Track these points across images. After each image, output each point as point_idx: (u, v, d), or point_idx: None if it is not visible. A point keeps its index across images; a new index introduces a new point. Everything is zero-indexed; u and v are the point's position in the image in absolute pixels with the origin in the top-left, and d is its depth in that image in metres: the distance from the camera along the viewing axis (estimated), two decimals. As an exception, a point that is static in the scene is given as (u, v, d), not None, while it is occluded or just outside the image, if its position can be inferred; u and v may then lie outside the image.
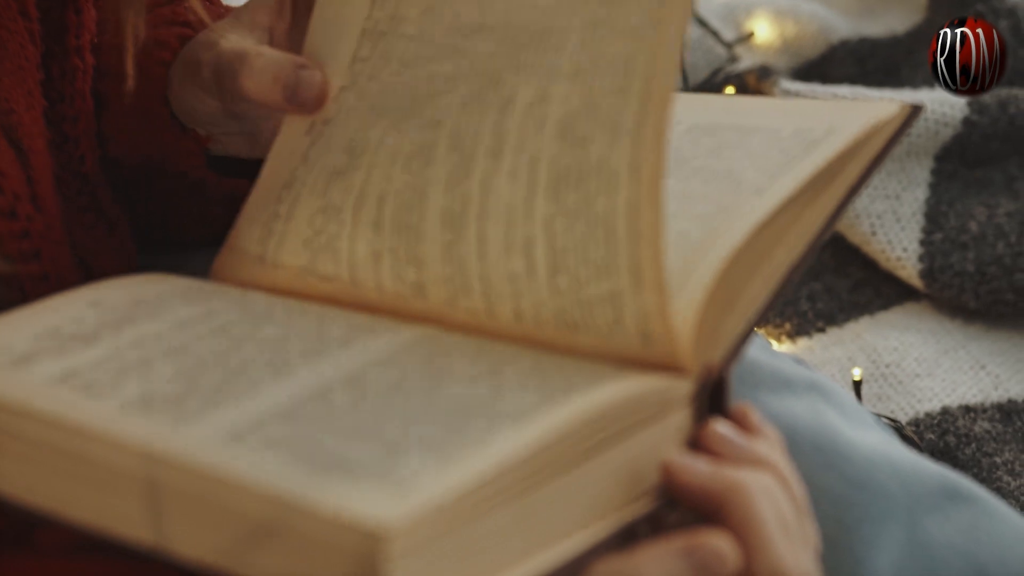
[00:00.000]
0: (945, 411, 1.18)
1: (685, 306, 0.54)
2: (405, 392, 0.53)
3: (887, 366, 1.23)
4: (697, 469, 0.53)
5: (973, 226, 1.30)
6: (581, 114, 0.57)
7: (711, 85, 1.42)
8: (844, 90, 1.35)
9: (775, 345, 1.19)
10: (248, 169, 0.69)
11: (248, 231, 0.65)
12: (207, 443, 0.51)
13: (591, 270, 0.56)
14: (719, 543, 0.51)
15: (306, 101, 0.62)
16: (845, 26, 1.51)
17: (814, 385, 0.69)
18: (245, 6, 0.70)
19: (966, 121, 1.32)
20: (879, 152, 0.60)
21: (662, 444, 0.54)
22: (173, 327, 0.59)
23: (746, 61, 1.47)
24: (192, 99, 0.70)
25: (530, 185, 0.58)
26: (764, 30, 1.49)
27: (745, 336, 0.56)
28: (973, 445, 1.15)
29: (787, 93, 1.35)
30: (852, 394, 0.72)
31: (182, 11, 0.75)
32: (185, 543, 0.51)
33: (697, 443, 0.55)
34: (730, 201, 0.58)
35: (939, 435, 1.16)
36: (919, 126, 1.32)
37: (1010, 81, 1.39)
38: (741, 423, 0.55)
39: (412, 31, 0.63)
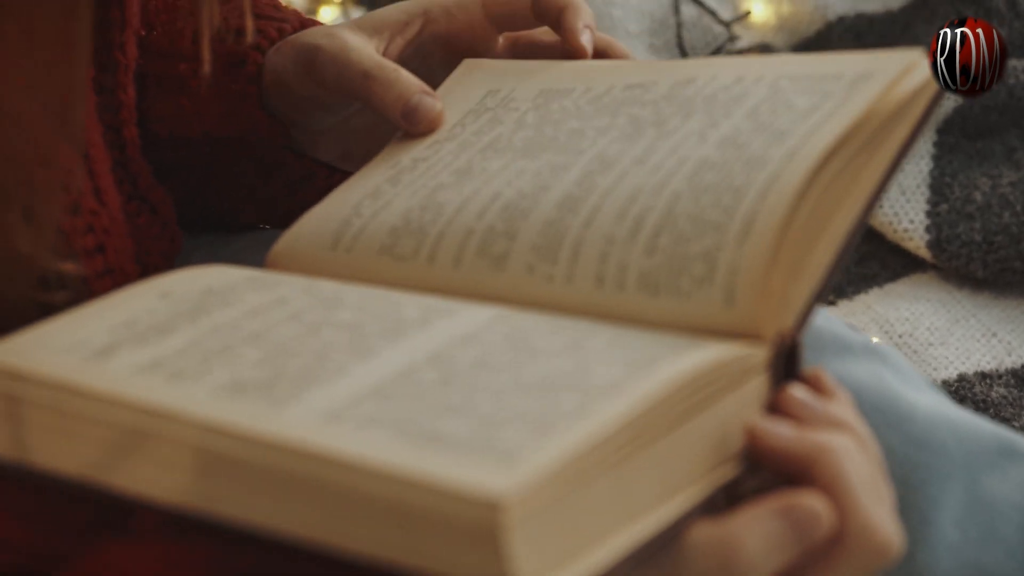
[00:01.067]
0: (962, 378, 1.20)
1: (755, 273, 0.55)
2: (491, 368, 0.54)
3: (900, 336, 1.25)
4: (782, 433, 0.54)
5: (978, 196, 1.31)
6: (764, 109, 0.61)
7: (712, 64, 1.42)
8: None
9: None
10: None
11: (321, 223, 0.68)
12: (305, 424, 0.52)
13: (699, 226, 0.57)
14: (814, 502, 0.52)
15: (419, 121, 0.72)
16: (841, 3, 1.52)
17: (872, 348, 0.70)
18: (372, 14, 0.78)
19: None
20: (923, 113, 0.60)
21: (743, 410, 0.55)
22: (247, 315, 0.60)
23: (744, 40, 1.48)
24: (296, 83, 0.77)
25: (669, 173, 0.61)
26: (760, 8, 1.50)
27: (814, 302, 0.57)
28: (991, 410, 1.16)
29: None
30: (903, 357, 0.72)
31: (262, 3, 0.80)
32: (293, 522, 0.51)
33: (775, 408, 0.56)
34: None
35: (958, 401, 1.17)
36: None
37: (1012, 49, 1.41)
38: (815, 387, 0.56)
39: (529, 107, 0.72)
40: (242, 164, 0.84)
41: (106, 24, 0.77)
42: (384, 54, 0.77)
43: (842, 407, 0.56)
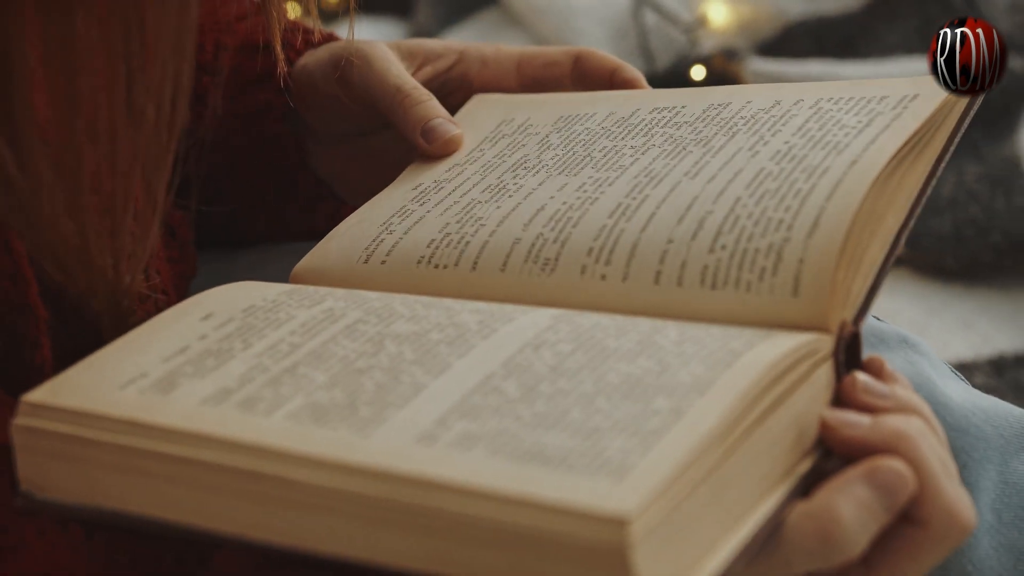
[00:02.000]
0: (943, 368, 1.22)
1: (822, 264, 0.57)
2: (570, 374, 0.54)
3: (878, 330, 1.28)
4: (857, 422, 0.55)
5: (946, 190, 1.35)
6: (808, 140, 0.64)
7: (678, 70, 1.45)
8: (814, 66, 1.39)
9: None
10: None
11: (350, 241, 0.69)
12: (398, 448, 0.51)
13: (763, 225, 0.59)
14: (896, 464, 0.53)
15: (436, 139, 0.75)
16: (799, 4, 1.55)
17: (905, 338, 0.72)
18: (411, 40, 0.81)
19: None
20: (959, 120, 0.64)
21: (814, 401, 0.56)
22: (300, 332, 0.59)
23: (706, 45, 1.50)
24: (322, 82, 0.79)
25: (726, 182, 0.63)
26: (720, 13, 1.53)
27: (872, 295, 0.58)
28: (974, 398, 1.19)
29: (756, 73, 1.38)
30: (930, 347, 0.74)
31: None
32: (394, 552, 0.50)
33: (843, 398, 0.57)
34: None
35: (943, 391, 1.20)
36: (887, 97, 1.36)
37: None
38: (878, 374, 0.57)
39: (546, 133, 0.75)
40: (259, 179, 0.84)
41: None
42: (416, 77, 0.79)
43: (906, 391, 0.57)
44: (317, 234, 0.84)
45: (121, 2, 0.55)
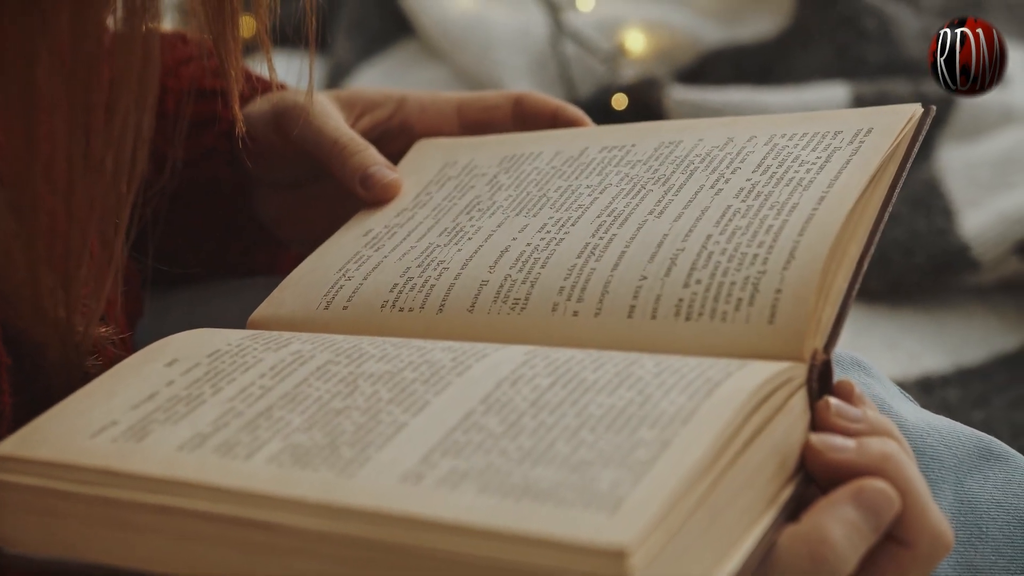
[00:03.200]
0: (873, 389, 1.24)
1: (800, 295, 0.58)
2: (551, 408, 0.54)
3: (807, 352, 1.29)
4: (844, 445, 0.55)
5: (867, 213, 1.36)
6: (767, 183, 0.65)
7: (601, 99, 1.45)
8: (734, 94, 1.40)
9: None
10: None
11: (305, 288, 0.69)
12: (384, 488, 0.50)
13: (737, 260, 0.60)
14: (881, 484, 0.54)
15: (374, 186, 0.76)
16: (716, 32, 1.56)
17: (856, 361, 0.72)
18: (351, 89, 0.82)
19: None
20: (908, 148, 0.65)
21: (793, 428, 0.56)
22: (269, 375, 0.58)
23: (626, 73, 1.51)
24: (262, 132, 0.80)
25: (693, 219, 0.64)
26: (639, 42, 1.54)
27: (839, 322, 0.59)
28: (905, 418, 1.20)
29: (678, 101, 1.40)
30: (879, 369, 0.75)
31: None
32: None
33: (816, 423, 0.57)
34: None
35: (874, 412, 1.21)
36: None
37: (886, 71, 1.47)
38: (848, 398, 0.58)
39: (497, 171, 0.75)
40: (200, 221, 0.84)
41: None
42: (351, 128, 0.80)
43: (875, 413, 0.58)
44: (257, 273, 0.83)
45: (84, 55, 0.54)
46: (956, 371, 1.28)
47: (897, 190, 0.64)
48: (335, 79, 1.62)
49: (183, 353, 0.61)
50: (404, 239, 0.71)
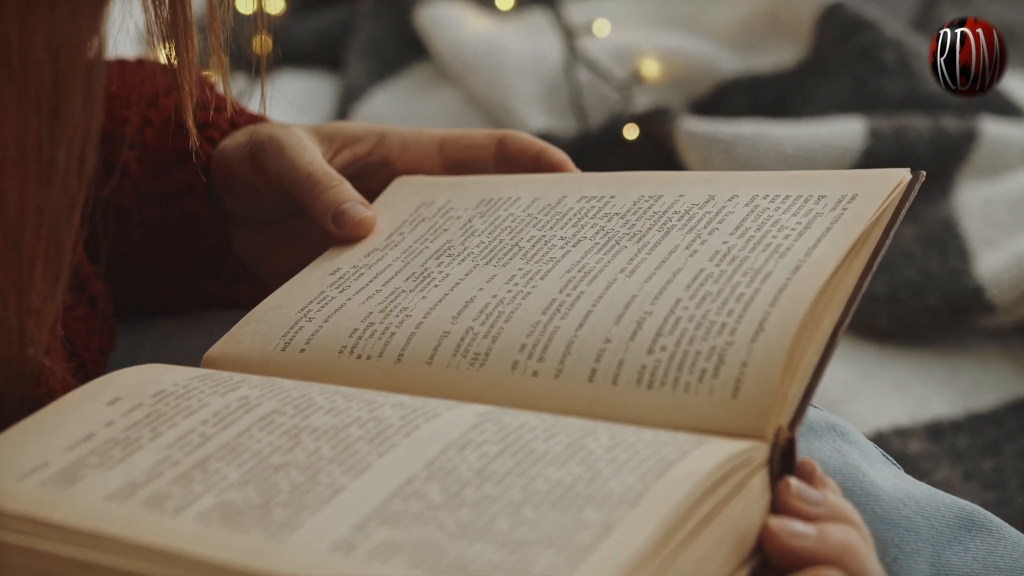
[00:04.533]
0: (879, 434, 1.21)
1: (766, 371, 0.56)
2: (496, 479, 0.52)
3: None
4: (804, 532, 0.54)
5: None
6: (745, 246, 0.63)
7: (612, 128, 1.43)
8: (747, 126, 1.38)
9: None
10: None
11: (265, 327, 0.68)
12: (314, 556, 0.49)
13: (704, 328, 0.58)
14: (837, 574, 0.53)
15: (346, 223, 0.74)
16: (733, 62, 1.54)
17: (833, 425, 0.70)
18: (331, 123, 0.81)
19: (866, 153, 1.36)
20: (894, 215, 0.63)
21: (750, 509, 0.54)
22: (212, 421, 0.57)
23: (639, 101, 1.48)
24: (239, 167, 0.79)
25: (664, 282, 0.62)
26: (654, 70, 1.51)
27: (807, 398, 0.57)
28: (910, 465, 1.17)
29: (689, 133, 1.37)
30: (859, 432, 0.73)
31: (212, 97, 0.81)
32: None
33: (775, 504, 0.55)
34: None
35: (878, 459, 1.18)
36: (821, 159, 1.35)
37: (904, 105, 1.43)
38: (809, 479, 0.57)
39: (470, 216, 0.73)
40: (179, 257, 0.83)
41: None
42: (329, 163, 0.78)
43: (836, 497, 0.57)
44: (241, 306, 0.82)
45: (31, 56, 0.53)
46: (967, 416, 1.25)
47: (879, 258, 0.62)
48: (347, 101, 1.61)
49: (127, 391, 0.60)
50: (370, 281, 0.69)
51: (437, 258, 0.70)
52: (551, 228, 0.69)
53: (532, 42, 1.55)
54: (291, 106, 1.65)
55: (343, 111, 1.60)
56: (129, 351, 0.83)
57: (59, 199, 0.57)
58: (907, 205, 0.64)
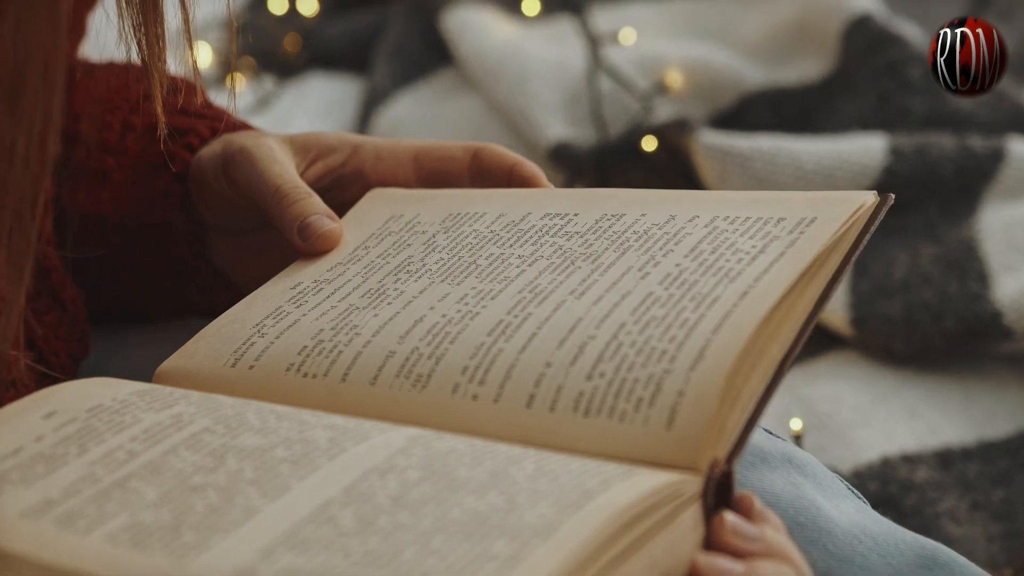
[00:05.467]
0: (885, 461, 1.18)
1: (702, 400, 0.54)
2: (412, 507, 0.51)
3: (821, 417, 1.23)
4: (729, 569, 0.53)
5: (897, 273, 1.30)
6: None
7: (631, 139, 1.41)
8: (765, 141, 1.35)
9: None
10: None
11: (219, 342, 0.67)
12: None
13: (645, 354, 0.57)
14: None
15: (310, 236, 0.73)
16: (758, 74, 1.51)
17: (789, 456, 0.68)
18: (306, 133, 0.80)
19: (886, 170, 1.33)
20: (855, 241, 0.62)
21: (679, 544, 0.53)
22: (140, 438, 0.57)
23: (661, 112, 1.46)
24: (212, 179, 0.78)
25: (612, 305, 0.60)
26: (678, 80, 1.49)
27: (748, 430, 0.56)
28: (915, 494, 1.15)
29: (707, 146, 1.35)
30: (820, 463, 0.71)
31: (191, 103, 0.81)
32: None
33: (710, 539, 0.54)
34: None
35: (882, 485, 1.15)
36: (840, 176, 1.32)
37: (929, 123, 1.40)
38: (747, 514, 0.55)
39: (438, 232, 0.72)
40: (156, 264, 0.83)
41: None
42: (302, 174, 0.78)
43: (775, 532, 0.55)
44: (218, 313, 0.81)
45: None
46: (979, 444, 1.22)
47: (839, 283, 0.60)
48: (371, 105, 1.60)
49: (64, 405, 0.59)
50: (327, 297, 0.68)
51: (395, 274, 0.69)
52: (511, 246, 0.68)
53: (556, 49, 1.53)
54: (319, 108, 1.64)
55: (366, 115, 1.60)
56: (102, 358, 0.83)
57: (21, 182, 0.56)
58: (872, 229, 0.63)
